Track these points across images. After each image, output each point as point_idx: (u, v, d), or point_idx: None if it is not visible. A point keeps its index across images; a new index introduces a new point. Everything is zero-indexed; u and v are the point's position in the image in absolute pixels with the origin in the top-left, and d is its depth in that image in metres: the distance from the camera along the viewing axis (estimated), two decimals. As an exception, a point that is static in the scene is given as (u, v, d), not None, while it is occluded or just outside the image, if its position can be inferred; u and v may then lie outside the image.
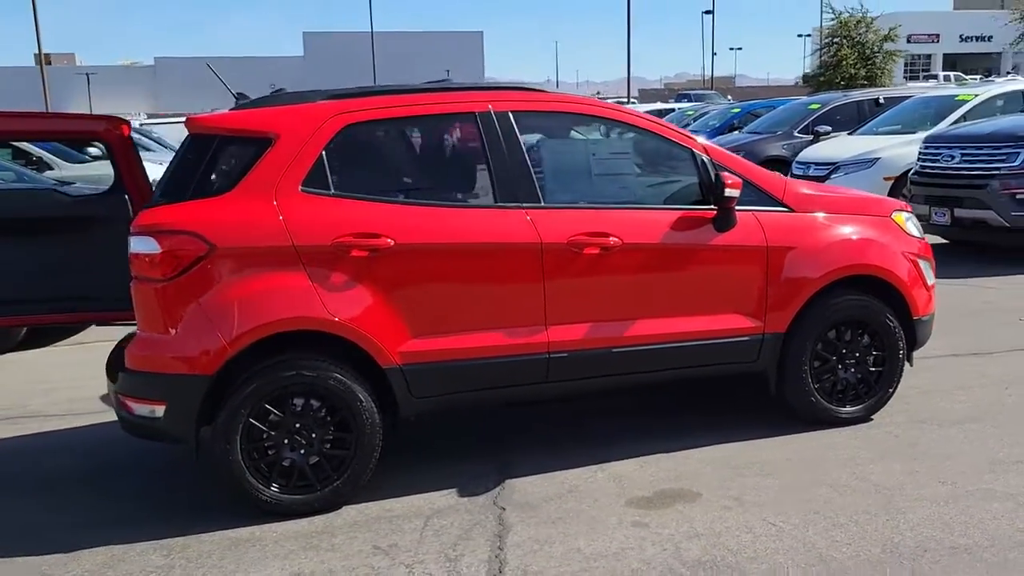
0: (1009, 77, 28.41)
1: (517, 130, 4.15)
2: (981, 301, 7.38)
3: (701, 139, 4.51)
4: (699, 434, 4.60)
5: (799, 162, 12.69)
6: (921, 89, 16.88)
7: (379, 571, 3.42)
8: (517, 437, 4.74)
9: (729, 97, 39.26)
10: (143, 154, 15.90)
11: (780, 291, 4.42)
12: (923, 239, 4.90)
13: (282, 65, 73.26)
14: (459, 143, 4.28)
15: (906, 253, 4.70)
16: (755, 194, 4.43)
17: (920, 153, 9.88)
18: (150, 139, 18.27)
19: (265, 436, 3.83)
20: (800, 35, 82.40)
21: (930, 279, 4.81)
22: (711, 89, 50.28)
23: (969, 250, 9.48)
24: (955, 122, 11.41)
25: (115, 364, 4.17)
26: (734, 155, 4.58)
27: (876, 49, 32.56)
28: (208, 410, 3.80)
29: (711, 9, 55.62)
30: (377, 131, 4.18)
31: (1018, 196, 8.61)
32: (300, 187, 3.87)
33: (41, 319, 4.85)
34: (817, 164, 12.10)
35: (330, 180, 3.93)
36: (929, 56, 63.98)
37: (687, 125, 19.14)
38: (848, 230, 4.57)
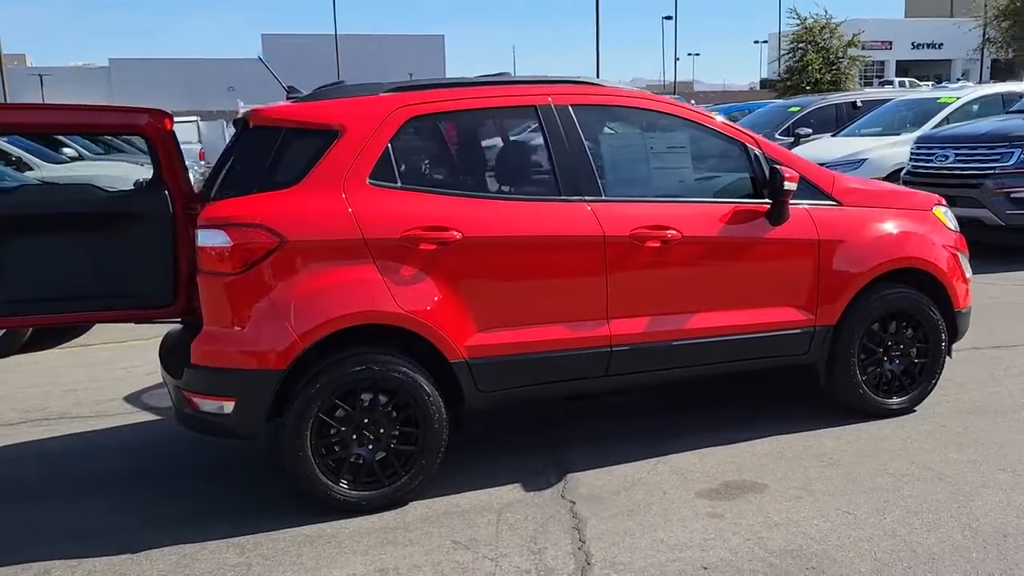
0: (959, 84, 29.25)
1: (577, 123, 4.15)
2: (987, 297, 7.52)
3: (752, 133, 4.54)
4: (748, 427, 4.63)
5: (785, 163, 12.83)
6: (900, 93, 17.19)
7: (464, 565, 3.39)
8: (568, 431, 4.73)
9: (693, 101, 39.65)
10: (117, 155, 15.51)
11: (831, 284, 4.47)
12: (959, 233, 4.99)
13: (241, 67, 72.37)
14: (520, 136, 4.27)
15: (946, 246, 4.79)
16: (805, 188, 4.47)
17: (912, 153, 10.08)
18: (119, 140, 17.95)
19: (334, 432, 3.77)
20: (756, 41, 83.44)
21: (968, 272, 4.90)
22: (674, 94, 50.75)
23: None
24: (938, 124, 11.64)
25: (170, 360, 4.08)
26: (783, 148, 4.63)
27: (840, 55, 33.18)
28: (276, 406, 3.73)
29: (671, 15, 56.27)
30: (440, 123, 4.15)
31: (1013, 195, 8.82)
32: (367, 180, 3.83)
33: (78, 317, 4.70)
34: (804, 165, 12.24)
35: (396, 173, 3.89)
36: (883, 63, 65.26)
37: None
38: (895, 224, 4.64)
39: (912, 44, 66.96)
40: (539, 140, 4.13)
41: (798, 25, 33.93)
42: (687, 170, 4.54)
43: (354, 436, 3.80)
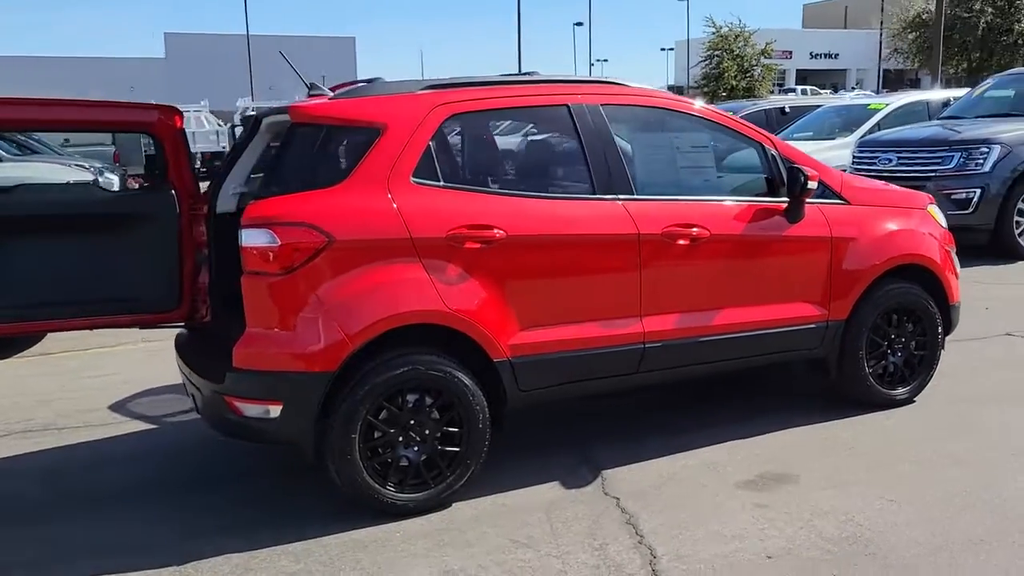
0: (855, 92, 30.55)
1: (608, 122, 4.19)
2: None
3: (768, 133, 4.67)
4: (762, 420, 4.74)
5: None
6: (831, 99, 17.86)
7: (530, 563, 3.38)
8: (589, 428, 4.76)
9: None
10: (34, 158, 14.79)
11: (843, 280, 4.63)
12: (947, 230, 5.23)
13: (142, 66, 69.84)
14: (554, 135, 4.28)
15: (941, 243, 5.01)
16: (817, 187, 4.62)
17: (855, 156, 10.48)
18: (32, 140, 17.16)
19: (380, 434, 3.71)
20: (663, 49, 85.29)
21: (958, 267, 5.14)
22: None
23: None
24: (870, 130, 12.16)
25: (202, 364, 3.94)
26: (796, 148, 4.76)
27: (754, 63, 34.26)
28: (323, 410, 3.65)
29: (582, 21, 57.08)
30: (478, 121, 4.13)
31: (953, 196, 9.26)
32: (411, 178, 3.78)
33: (78, 323, 4.47)
34: (742, 169, 12.60)
35: (438, 171, 3.85)
36: (784, 71, 67.53)
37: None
38: (898, 222, 4.84)
39: (811, 54, 69.43)
40: (572, 138, 4.15)
41: (713, 33, 34.88)
42: (710, 169, 4.64)
43: (400, 438, 3.74)
